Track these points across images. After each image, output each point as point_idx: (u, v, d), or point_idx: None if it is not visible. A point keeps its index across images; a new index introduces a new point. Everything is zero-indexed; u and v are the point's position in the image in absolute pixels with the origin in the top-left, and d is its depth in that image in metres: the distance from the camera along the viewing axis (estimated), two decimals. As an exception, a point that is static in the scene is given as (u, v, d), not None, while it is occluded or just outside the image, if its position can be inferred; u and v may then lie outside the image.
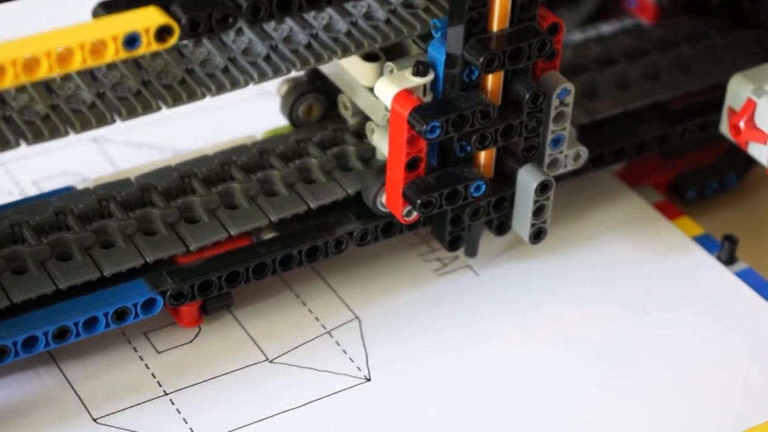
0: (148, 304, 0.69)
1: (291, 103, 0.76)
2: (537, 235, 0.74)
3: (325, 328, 0.73)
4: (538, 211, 0.73)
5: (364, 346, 0.72)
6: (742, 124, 0.76)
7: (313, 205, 0.72)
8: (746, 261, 0.78)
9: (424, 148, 0.69)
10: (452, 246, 0.74)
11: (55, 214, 0.70)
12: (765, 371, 0.72)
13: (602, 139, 0.78)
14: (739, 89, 0.76)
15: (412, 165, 0.69)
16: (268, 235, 0.72)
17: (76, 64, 0.60)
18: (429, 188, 0.69)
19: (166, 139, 0.84)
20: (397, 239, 0.76)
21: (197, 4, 0.63)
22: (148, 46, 0.61)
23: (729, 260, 0.78)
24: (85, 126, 0.64)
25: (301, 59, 0.68)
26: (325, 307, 0.74)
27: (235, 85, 0.66)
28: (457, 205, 0.71)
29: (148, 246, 0.69)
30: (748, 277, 0.77)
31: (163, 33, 0.61)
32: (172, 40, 0.62)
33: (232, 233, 0.70)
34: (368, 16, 0.70)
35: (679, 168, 0.84)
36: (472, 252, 0.76)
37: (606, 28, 0.93)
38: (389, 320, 0.73)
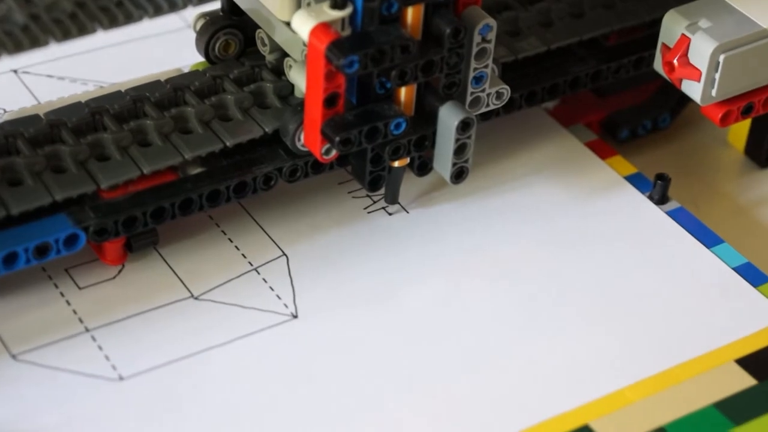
0: (71, 240, 0.67)
1: (207, 39, 0.74)
2: (458, 175, 0.72)
3: (252, 264, 0.71)
4: (459, 150, 0.71)
5: (292, 284, 0.71)
6: (675, 61, 0.75)
7: (229, 143, 0.70)
8: (678, 200, 0.78)
9: (343, 84, 0.67)
10: (372, 186, 0.73)
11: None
12: (695, 309, 0.72)
13: (535, 76, 0.77)
14: (672, 25, 0.75)
15: (330, 101, 0.67)
16: (195, 171, 0.71)
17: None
18: (348, 125, 0.68)
19: (90, 72, 0.82)
20: (327, 176, 0.75)
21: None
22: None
23: (661, 199, 0.77)
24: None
25: None
26: (253, 244, 0.73)
27: (128, 18, 0.64)
28: (377, 143, 0.69)
29: (58, 184, 0.67)
30: (679, 216, 0.77)
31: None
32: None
33: (145, 171, 0.68)
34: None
35: (613, 107, 0.83)
36: (392, 199, 0.75)
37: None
38: (318, 258, 0.72)
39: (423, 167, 0.73)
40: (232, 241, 0.73)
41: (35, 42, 0.62)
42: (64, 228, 0.67)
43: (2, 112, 0.74)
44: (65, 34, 0.63)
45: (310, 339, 0.68)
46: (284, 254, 0.72)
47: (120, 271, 0.70)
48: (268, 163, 0.71)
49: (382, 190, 0.75)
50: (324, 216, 0.75)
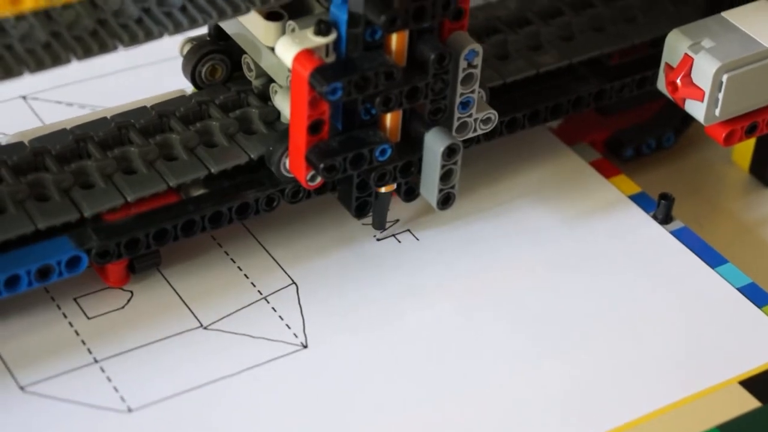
0: (73, 262, 0.67)
1: (194, 63, 0.73)
2: (445, 201, 0.72)
3: (261, 293, 0.71)
4: (445, 176, 0.71)
5: (302, 313, 0.70)
6: (678, 81, 0.75)
7: (214, 169, 0.70)
8: (682, 219, 0.78)
9: (327, 111, 0.67)
10: (359, 212, 0.73)
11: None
12: (698, 330, 0.71)
13: (538, 95, 0.77)
14: (676, 45, 0.75)
15: (314, 128, 0.67)
16: (197, 192, 0.71)
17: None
18: (332, 152, 0.67)
19: (98, 98, 0.81)
20: (332, 196, 0.74)
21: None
22: (66, -7, 0.59)
23: (665, 219, 0.77)
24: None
25: (218, 10, 0.65)
26: (261, 270, 0.72)
27: (149, 36, 0.64)
28: (363, 169, 0.69)
29: (39, 211, 0.67)
30: (683, 235, 0.77)
31: (82, -20, 0.59)
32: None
33: (129, 199, 0.68)
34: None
35: (616, 125, 0.83)
36: (379, 224, 0.74)
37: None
38: (327, 286, 0.72)
39: (410, 192, 0.73)
40: (240, 269, 0.72)
41: (57, 59, 0.62)
42: (66, 250, 0.67)
43: (2, 136, 0.74)
44: (86, 52, 0.63)
45: (321, 369, 0.68)
46: (294, 283, 0.72)
47: (129, 300, 0.70)
48: (270, 184, 0.71)
49: (370, 216, 0.75)
50: (333, 243, 0.74)
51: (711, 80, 0.74)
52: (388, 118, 0.70)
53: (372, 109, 0.68)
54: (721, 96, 0.74)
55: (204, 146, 0.71)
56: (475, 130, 0.72)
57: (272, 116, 0.72)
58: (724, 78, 0.73)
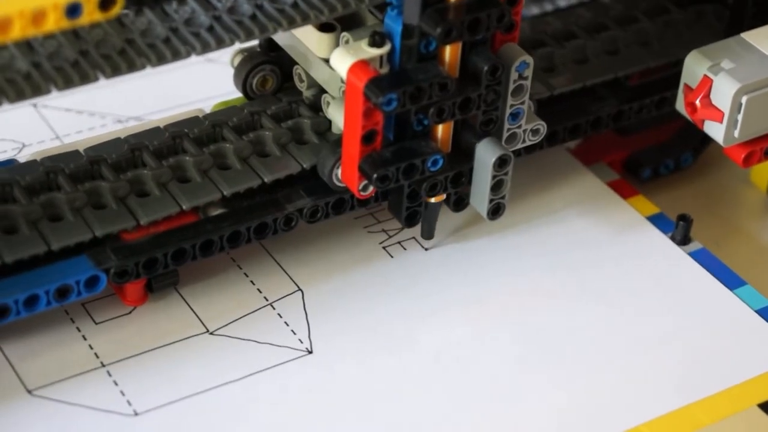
0: (92, 282, 0.67)
1: (245, 74, 0.74)
2: (495, 211, 0.72)
3: (267, 300, 0.71)
4: (496, 186, 0.72)
5: (307, 319, 0.71)
6: (698, 102, 0.75)
7: (267, 179, 0.70)
8: (700, 241, 0.78)
9: (381, 121, 0.67)
10: (409, 221, 0.73)
11: (2, 186, 0.68)
12: (716, 351, 0.71)
13: (557, 116, 0.77)
14: (695, 66, 0.75)
15: (368, 138, 0.68)
16: (216, 212, 0.71)
17: (16, 32, 0.58)
18: (385, 162, 0.68)
19: (106, 106, 0.82)
20: (342, 211, 0.75)
21: (141, -28, 0.61)
22: (90, 15, 0.59)
23: (683, 240, 0.77)
24: (20, 95, 0.61)
25: (246, 30, 0.66)
26: (268, 278, 0.73)
27: (176, 55, 0.64)
28: (414, 179, 0.69)
29: (97, 220, 0.68)
30: (701, 257, 0.76)
31: (106, 2, 0.60)
32: (115, 10, 0.60)
33: (185, 207, 0.69)
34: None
35: (635, 146, 0.83)
36: (428, 234, 0.74)
37: (563, 1, 0.92)
38: (333, 293, 0.72)
39: (459, 203, 0.73)
40: (247, 275, 0.73)
41: (85, 77, 0.63)
42: (86, 270, 0.67)
43: (21, 146, 0.74)
44: (114, 70, 0.63)
45: (326, 374, 0.68)
46: (300, 289, 0.72)
47: (135, 306, 0.70)
48: (289, 204, 0.71)
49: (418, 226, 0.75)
50: (339, 250, 0.75)
51: (730, 102, 0.73)
52: (440, 129, 0.71)
53: (424, 120, 0.69)
54: (740, 117, 0.74)
55: (257, 156, 0.71)
56: (524, 141, 0.73)
57: (323, 126, 0.73)
58: (744, 99, 0.73)
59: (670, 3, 0.82)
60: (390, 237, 0.76)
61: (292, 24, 0.67)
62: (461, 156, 0.71)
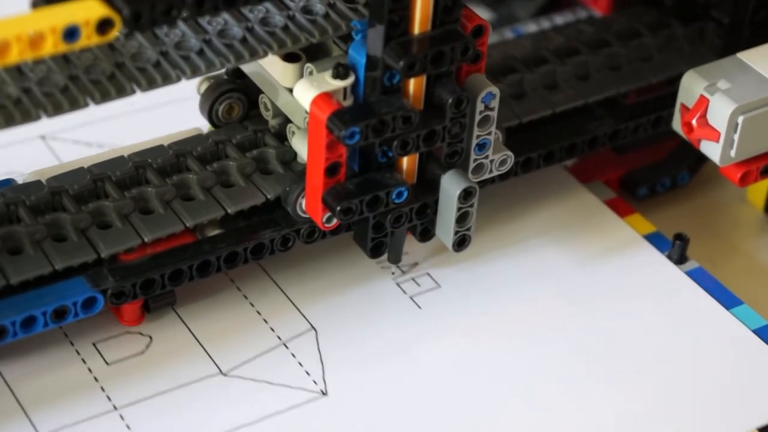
0: (89, 303, 0.67)
1: (211, 102, 0.74)
2: (461, 243, 0.72)
3: (280, 339, 0.71)
4: (461, 218, 0.71)
5: (321, 359, 0.70)
6: (694, 122, 0.75)
7: (231, 210, 0.70)
8: (697, 259, 0.78)
9: (344, 153, 0.67)
10: (374, 252, 0.73)
11: (7, 206, 0.68)
12: (713, 371, 0.71)
13: (553, 135, 0.77)
14: (691, 86, 0.75)
15: (331, 170, 0.67)
16: (213, 232, 0.71)
17: (14, 57, 0.58)
18: (349, 194, 0.68)
19: (116, 138, 0.81)
20: (346, 236, 0.74)
21: (139, -4, 0.61)
22: (88, 39, 0.59)
23: (680, 259, 0.77)
24: (8, 121, 0.61)
25: (236, 54, 0.66)
26: (277, 311, 0.72)
27: (166, 79, 0.64)
28: (379, 211, 0.69)
29: (57, 252, 0.67)
30: (698, 276, 0.76)
31: (104, 25, 0.60)
32: (113, 33, 0.60)
33: (146, 240, 0.68)
34: (306, 9, 0.68)
35: (631, 164, 0.83)
36: (395, 258, 0.74)
37: (559, 19, 0.93)
38: (345, 329, 0.72)
39: (425, 233, 0.73)
40: (259, 313, 0.72)
41: (74, 103, 0.63)
42: (82, 291, 0.67)
43: (20, 176, 0.74)
44: (104, 96, 0.63)
45: (340, 417, 0.68)
46: (313, 328, 0.72)
47: (148, 346, 0.70)
48: (285, 224, 0.71)
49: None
50: (347, 278, 0.74)
51: (727, 122, 0.74)
52: (405, 161, 0.70)
53: (389, 152, 0.69)
54: (736, 137, 0.74)
55: (221, 186, 0.71)
56: (491, 171, 0.72)
57: (289, 156, 0.73)
58: (740, 119, 0.73)
59: (672, 19, 0.82)
60: (403, 273, 0.75)
61: (283, 47, 0.67)
62: (426, 187, 0.71)
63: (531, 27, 0.92)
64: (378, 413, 0.68)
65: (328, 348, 0.71)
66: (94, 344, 0.70)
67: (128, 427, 0.66)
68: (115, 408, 0.67)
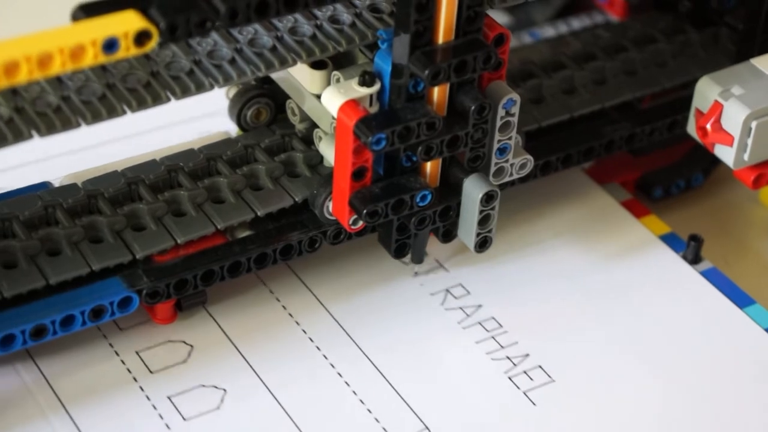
0: (124, 303, 0.70)
1: (239, 107, 0.76)
2: (482, 244, 0.74)
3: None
4: (483, 221, 0.74)
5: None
6: (708, 127, 0.77)
7: (260, 212, 0.72)
8: (710, 259, 0.80)
9: (370, 159, 0.70)
10: (398, 253, 0.75)
11: (45, 209, 0.71)
12: (726, 369, 0.74)
13: (572, 139, 0.80)
14: (706, 91, 0.77)
15: (358, 174, 0.70)
16: (243, 234, 0.73)
17: (56, 68, 0.60)
18: (375, 198, 0.70)
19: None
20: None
21: (175, 9, 0.63)
22: (126, 50, 0.62)
23: (694, 259, 0.79)
24: (50, 129, 0.64)
25: (266, 62, 0.68)
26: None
27: (200, 88, 0.66)
28: (403, 214, 0.71)
29: (94, 253, 0.70)
30: (712, 276, 0.79)
31: (141, 37, 0.62)
32: (151, 45, 0.62)
33: (179, 241, 0.71)
34: (333, 19, 0.71)
35: (647, 166, 0.85)
36: (418, 259, 0.77)
37: (576, 23, 0.95)
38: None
39: (448, 234, 0.75)
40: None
41: (112, 111, 0.65)
42: (119, 291, 0.70)
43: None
44: (140, 104, 0.65)
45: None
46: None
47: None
48: (312, 226, 0.74)
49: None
50: (372, 278, 0.77)
51: (740, 127, 0.76)
52: (429, 165, 0.73)
53: (413, 156, 0.71)
54: (750, 142, 0.76)
55: (250, 189, 0.74)
56: (511, 174, 0.75)
57: (316, 160, 0.75)
58: (753, 124, 0.76)
59: (686, 24, 0.84)
60: (468, 316, 0.76)
61: (311, 56, 0.69)
62: (449, 191, 0.73)
63: (548, 30, 0.94)
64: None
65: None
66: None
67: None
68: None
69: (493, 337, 0.74)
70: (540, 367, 0.73)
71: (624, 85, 0.81)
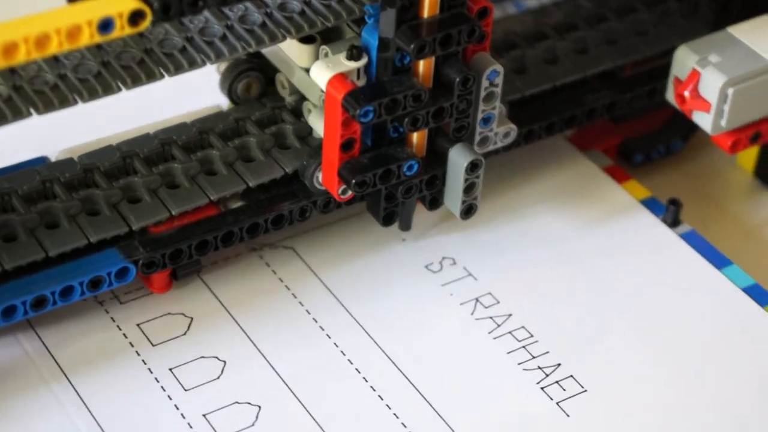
0: (122, 273, 0.72)
1: (230, 81, 0.78)
2: (467, 211, 0.77)
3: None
4: (468, 189, 0.76)
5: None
6: (687, 94, 0.79)
7: (252, 183, 0.75)
8: (690, 222, 0.82)
9: (358, 130, 0.72)
10: (386, 221, 0.77)
11: (43, 183, 0.73)
12: (704, 328, 0.76)
13: (554, 107, 0.82)
14: (684, 60, 0.79)
15: (346, 146, 0.72)
16: (236, 205, 0.75)
17: (53, 48, 0.62)
18: (363, 168, 0.72)
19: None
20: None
21: (168, -12, 0.65)
22: (121, 29, 0.63)
23: (674, 223, 0.82)
24: (48, 107, 0.66)
25: (256, 39, 0.70)
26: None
27: (192, 64, 0.68)
28: (391, 183, 0.74)
29: (91, 225, 0.72)
30: (690, 238, 0.81)
31: (135, 17, 0.64)
32: (144, 24, 0.64)
33: (174, 213, 0.73)
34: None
35: (628, 133, 0.88)
36: (406, 226, 0.79)
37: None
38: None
39: (434, 202, 0.78)
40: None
41: (108, 88, 0.67)
42: (116, 262, 0.72)
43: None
44: (135, 81, 0.67)
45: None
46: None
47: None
48: (303, 196, 0.76)
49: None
50: (362, 245, 0.79)
51: (717, 94, 0.78)
52: (415, 136, 0.75)
53: (400, 128, 0.73)
54: (726, 108, 0.79)
55: (242, 161, 0.76)
56: (495, 143, 0.77)
57: (305, 131, 0.77)
58: (730, 92, 0.78)
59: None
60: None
61: (300, 32, 0.71)
62: (435, 160, 0.76)
63: (531, 1, 0.95)
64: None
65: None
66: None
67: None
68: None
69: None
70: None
71: (605, 54, 0.83)
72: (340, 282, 0.77)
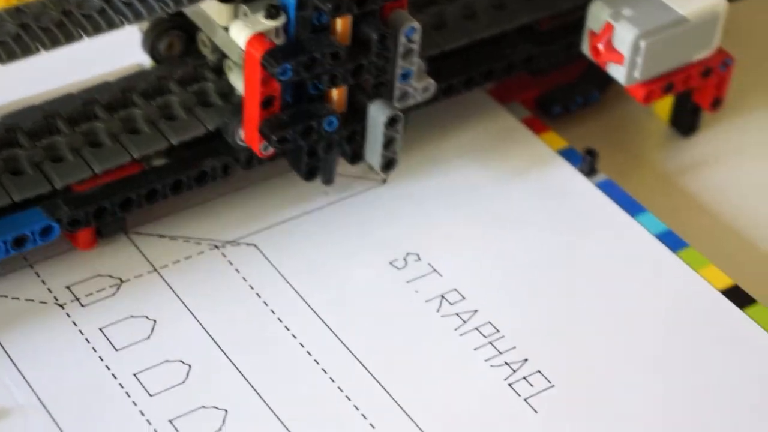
0: (46, 231, 0.73)
1: (152, 39, 0.79)
2: (387, 165, 0.78)
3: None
4: (388, 144, 0.77)
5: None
6: (601, 46, 0.81)
7: (174, 141, 0.76)
8: (606, 172, 0.85)
9: (278, 88, 0.73)
10: (309, 176, 0.79)
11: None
12: (618, 272, 0.78)
13: (473, 62, 0.83)
14: (598, 13, 0.81)
15: (267, 103, 0.73)
16: (159, 162, 0.76)
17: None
18: (284, 125, 0.74)
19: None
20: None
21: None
22: (37, -11, 0.64)
23: (590, 172, 0.84)
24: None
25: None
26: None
27: (111, 26, 0.69)
28: (312, 139, 0.75)
29: (14, 185, 0.72)
30: (606, 187, 0.83)
31: (51, -23, 0.64)
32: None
33: (97, 171, 0.74)
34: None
35: (546, 85, 0.89)
36: (328, 180, 0.80)
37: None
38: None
39: (355, 157, 0.79)
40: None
41: (27, 50, 0.67)
42: (39, 221, 0.73)
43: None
44: (53, 42, 0.68)
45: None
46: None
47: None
48: (225, 153, 0.77)
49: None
50: (286, 200, 0.80)
51: (630, 46, 0.80)
52: (335, 92, 0.76)
53: (320, 84, 0.74)
54: (640, 60, 0.81)
55: (165, 119, 0.77)
56: (415, 98, 0.78)
57: (227, 89, 0.78)
58: (642, 44, 0.80)
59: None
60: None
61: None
62: (355, 116, 0.77)
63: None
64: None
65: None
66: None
67: (88, 340, 0.72)
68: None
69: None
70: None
71: (522, 9, 0.85)
72: (297, 273, 0.77)
